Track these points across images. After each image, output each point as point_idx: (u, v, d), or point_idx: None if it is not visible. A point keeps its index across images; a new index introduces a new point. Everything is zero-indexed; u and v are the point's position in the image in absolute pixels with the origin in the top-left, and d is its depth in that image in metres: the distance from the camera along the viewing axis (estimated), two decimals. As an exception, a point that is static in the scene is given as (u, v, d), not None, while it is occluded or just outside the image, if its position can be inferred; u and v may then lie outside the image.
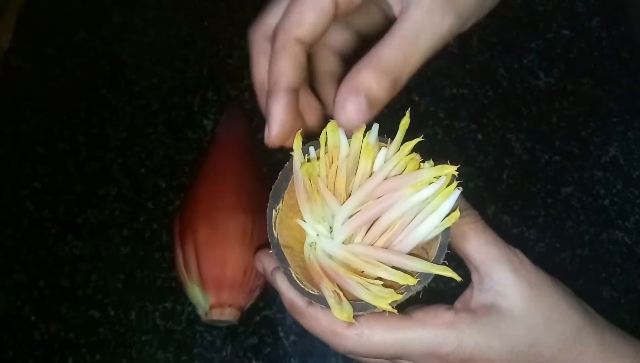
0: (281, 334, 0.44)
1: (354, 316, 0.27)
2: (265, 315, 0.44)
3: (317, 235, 0.28)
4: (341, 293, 0.27)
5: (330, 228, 0.29)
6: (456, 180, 0.27)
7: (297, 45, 0.27)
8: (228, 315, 0.39)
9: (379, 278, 0.27)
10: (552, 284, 0.30)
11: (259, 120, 0.51)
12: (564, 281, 0.31)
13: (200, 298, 0.40)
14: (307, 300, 0.28)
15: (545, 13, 0.58)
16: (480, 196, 0.49)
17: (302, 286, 0.28)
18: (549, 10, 0.58)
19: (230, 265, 0.40)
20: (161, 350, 0.43)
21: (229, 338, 0.43)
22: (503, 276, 0.29)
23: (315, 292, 0.28)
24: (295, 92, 0.27)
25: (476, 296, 0.29)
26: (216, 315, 0.39)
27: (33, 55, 0.55)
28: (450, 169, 0.27)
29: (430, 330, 0.28)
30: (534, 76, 0.55)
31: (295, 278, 0.28)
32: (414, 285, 0.26)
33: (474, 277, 0.30)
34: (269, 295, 0.44)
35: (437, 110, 0.53)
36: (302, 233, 0.29)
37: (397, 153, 0.28)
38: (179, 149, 0.50)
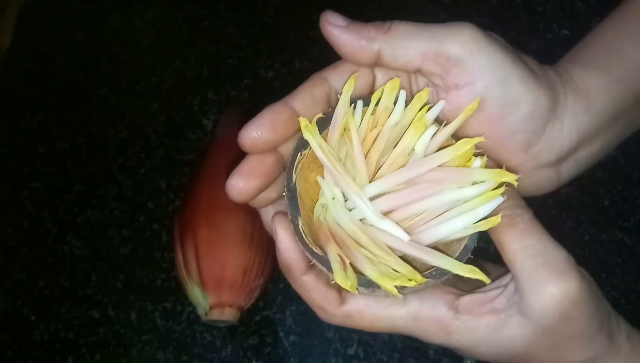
0: (281, 334, 0.44)
1: (342, 295, 0.25)
2: (265, 315, 0.44)
3: (333, 198, 0.26)
4: (347, 261, 0.24)
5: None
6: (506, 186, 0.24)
7: None
8: (228, 315, 0.39)
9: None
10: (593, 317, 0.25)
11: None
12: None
13: (200, 298, 0.40)
14: (303, 266, 0.26)
15: (545, 13, 0.58)
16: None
17: (307, 242, 0.25)
18: (549, 10, 0.58)
19: (230, 265, 0.40)
20: (161, 350, 0.43)
21: (229, 338, 0.43)
22: (536, 303, 0.24)
23: (319, 252, 0.25)
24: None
25: (493, 296, 0.26)
26: (216, 315, 0.39)
27: (33, 55, 0.55)
28: (510, 178, 0.24)
29: (421, 323, 0.27)
30: (534, 76, 0.55)
31: (301, 230, 0.25)
32: (422, 283, 0.24)
33: (504, 278, 0.27)
34: (269, 295, 0.44)
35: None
36: (317, 190, 0.27)
37: (454, 148, 0.25)
38: (179, 149, 0.50)
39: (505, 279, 0.27)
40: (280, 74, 0.54)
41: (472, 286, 0.27)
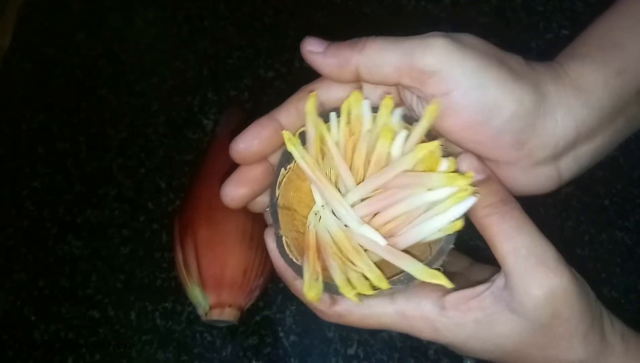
0: (281, 334, 0.44)
1: (333, 297, 0.27)
2: (265, 315, 0.44)
3: (323, 206, 0.27)
4: (320, 272, 0.26)
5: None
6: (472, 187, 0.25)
7: None
8: (228, 315, 0.39)
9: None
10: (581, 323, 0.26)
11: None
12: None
13: (200, 298, 0.40)
14: (293, 273, 0.28)
15: (545, 13, 0.58)
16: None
17: (287, 253, 0.27)
18: (549, 10, 0.58)
19: (230, 265, 0.40)
20: (161, 350, 0.43)
21: (229, 338, 0.43)
22: (528, 303, 0.25)
23: (297, 262, 0.27)
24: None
25: (479, 291, 0.26)
26: (216, 315, 0.39)
27: (33, 55, 0.55)
28: (462, 182, 0.25)
29: (408, 320, 0.27)
30: (534, 76, 0.55)
31: (284, 242, 0.27)
32: (387, 289, 0.25)
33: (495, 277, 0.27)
34: (269, 295, 0.44)
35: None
36: (312, 198, 0.28)
37: (413, 154, 0.26)
38: (179, 149, 0.50)
39: (494, 275, 0.27)
40: (280, 74, 0.54)
41: (463, 284, 0.28)
